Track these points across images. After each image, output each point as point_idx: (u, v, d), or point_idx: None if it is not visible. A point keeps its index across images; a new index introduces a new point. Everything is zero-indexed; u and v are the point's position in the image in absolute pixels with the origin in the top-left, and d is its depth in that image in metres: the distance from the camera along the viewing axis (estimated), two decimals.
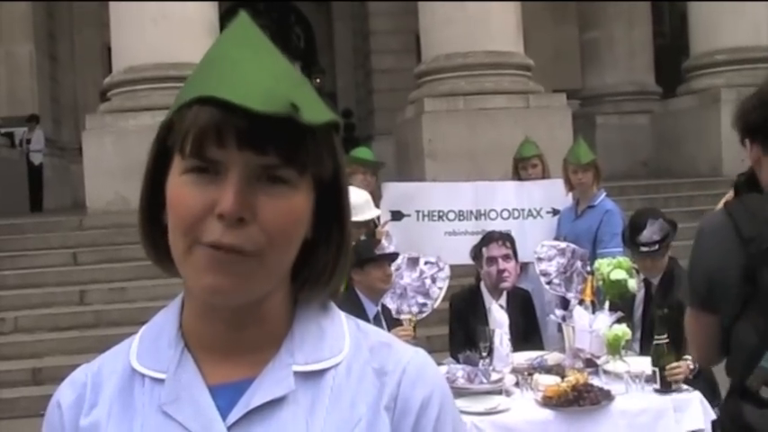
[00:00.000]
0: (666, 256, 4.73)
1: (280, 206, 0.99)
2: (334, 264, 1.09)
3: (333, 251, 1.09)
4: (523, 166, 6.76)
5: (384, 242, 5.41)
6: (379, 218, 6.35)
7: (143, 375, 1.08)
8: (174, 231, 1.00)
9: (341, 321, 1.12)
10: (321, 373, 1.06)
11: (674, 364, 4.04)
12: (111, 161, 11.25)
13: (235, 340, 1.06)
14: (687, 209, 11.42)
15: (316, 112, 0.99)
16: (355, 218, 5.10)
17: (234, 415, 1.03)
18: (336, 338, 1.09)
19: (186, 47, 11.32)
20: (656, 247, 4.57)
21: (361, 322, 1.15)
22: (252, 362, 1.06)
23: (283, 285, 1.07)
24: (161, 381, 1.06)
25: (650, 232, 4.57)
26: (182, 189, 0.99)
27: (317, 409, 1.04)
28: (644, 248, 4.60)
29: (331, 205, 1.07)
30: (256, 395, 1.03)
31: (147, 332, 1.13)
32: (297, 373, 1.05)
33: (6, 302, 9.24)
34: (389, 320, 4.86)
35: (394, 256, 4.90)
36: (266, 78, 0.97)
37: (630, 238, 4.70)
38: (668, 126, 15.15)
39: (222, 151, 0.96)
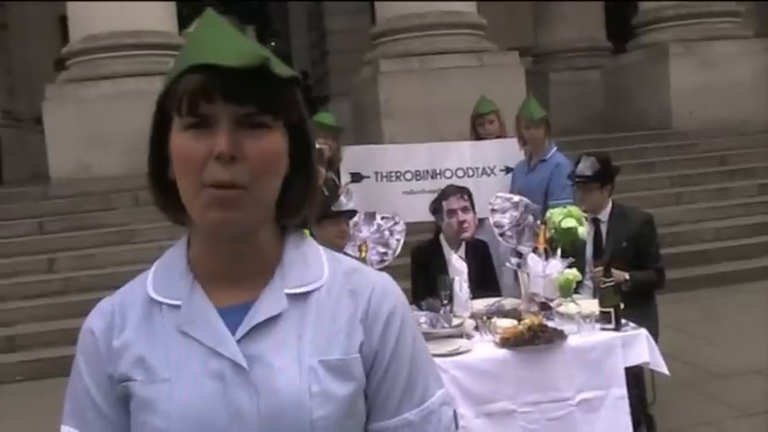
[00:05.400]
0: (601, 192, 5.31)
1: (261, 145, 1.22)
2: (304, 193, 1.33)
3: (303, 183, 1.33)
4: (480, 123, 7.00)
5: (343, 199, 5.61)
6: (340, 177, 6.57)
7: (160, 303, 1.31)
8: (183, 178, 1.23)
9: (318, 251, 1.38)
10: (307, 294, 1.31)
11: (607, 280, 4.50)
12: (73, 130, 11.24)
13: (236, 270, 1.30)
14: (638, 161, 11.79)
15: (282, 67, 1.24)
16: None
17: (241, 330, 1.26)
18: (317, 266, 1.35)
19: (144, 15, 11.38)
20: (587, 179, 5.23)
21: (334, 252, 1.42)
22: (250, 287, 1.29)
23: (270, 219, 1.32)
24: (177, 307, 1.30)
25: (583, 167, 5.31)
26: (184, 142, 1.22)
27: (306, 323, 1.29)
28: (577, 180, 5.28)
29: (299, 147, 1.31)
30: (258, 314, 1.27)
31: (159, 267, 1.37)
32: (288, 295, 1.29)
33: None
34: None
35: (351, 213, 5.05)
36: (240, 43, 1.21)
37: (570, 175, 5.39)
38: (619, 81, 15.39)
39: (211, 106, 1.20)
